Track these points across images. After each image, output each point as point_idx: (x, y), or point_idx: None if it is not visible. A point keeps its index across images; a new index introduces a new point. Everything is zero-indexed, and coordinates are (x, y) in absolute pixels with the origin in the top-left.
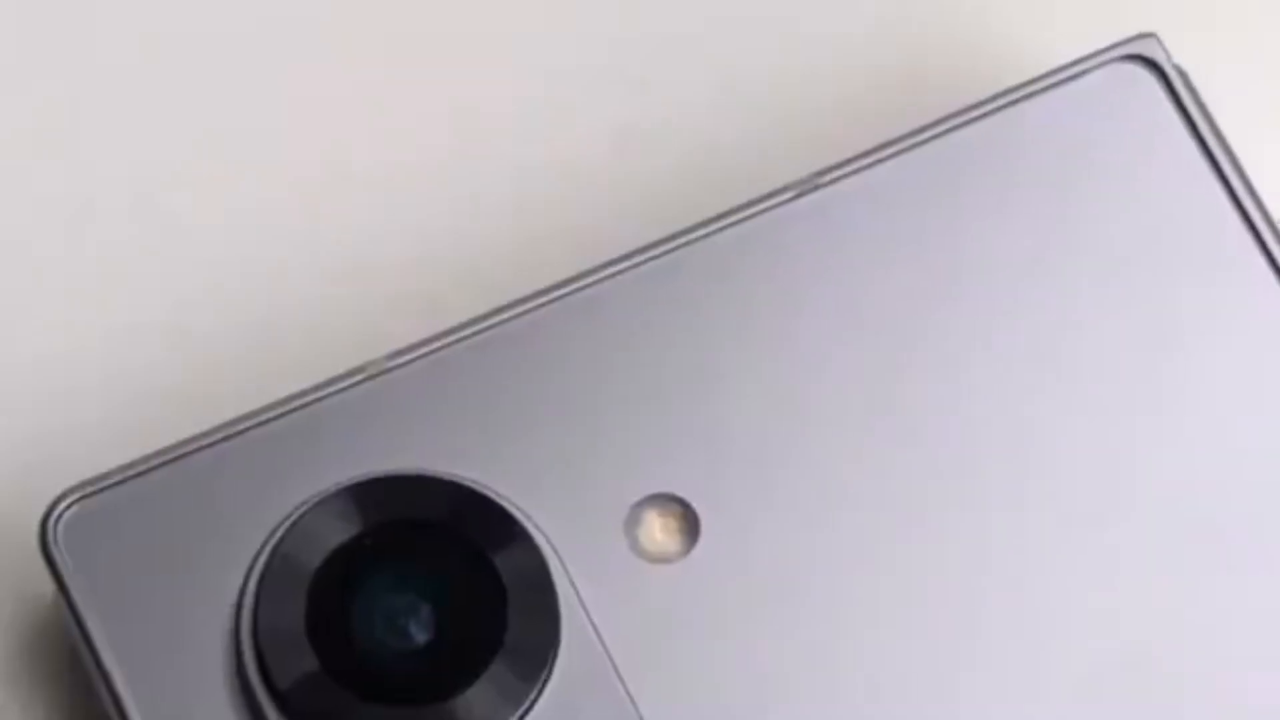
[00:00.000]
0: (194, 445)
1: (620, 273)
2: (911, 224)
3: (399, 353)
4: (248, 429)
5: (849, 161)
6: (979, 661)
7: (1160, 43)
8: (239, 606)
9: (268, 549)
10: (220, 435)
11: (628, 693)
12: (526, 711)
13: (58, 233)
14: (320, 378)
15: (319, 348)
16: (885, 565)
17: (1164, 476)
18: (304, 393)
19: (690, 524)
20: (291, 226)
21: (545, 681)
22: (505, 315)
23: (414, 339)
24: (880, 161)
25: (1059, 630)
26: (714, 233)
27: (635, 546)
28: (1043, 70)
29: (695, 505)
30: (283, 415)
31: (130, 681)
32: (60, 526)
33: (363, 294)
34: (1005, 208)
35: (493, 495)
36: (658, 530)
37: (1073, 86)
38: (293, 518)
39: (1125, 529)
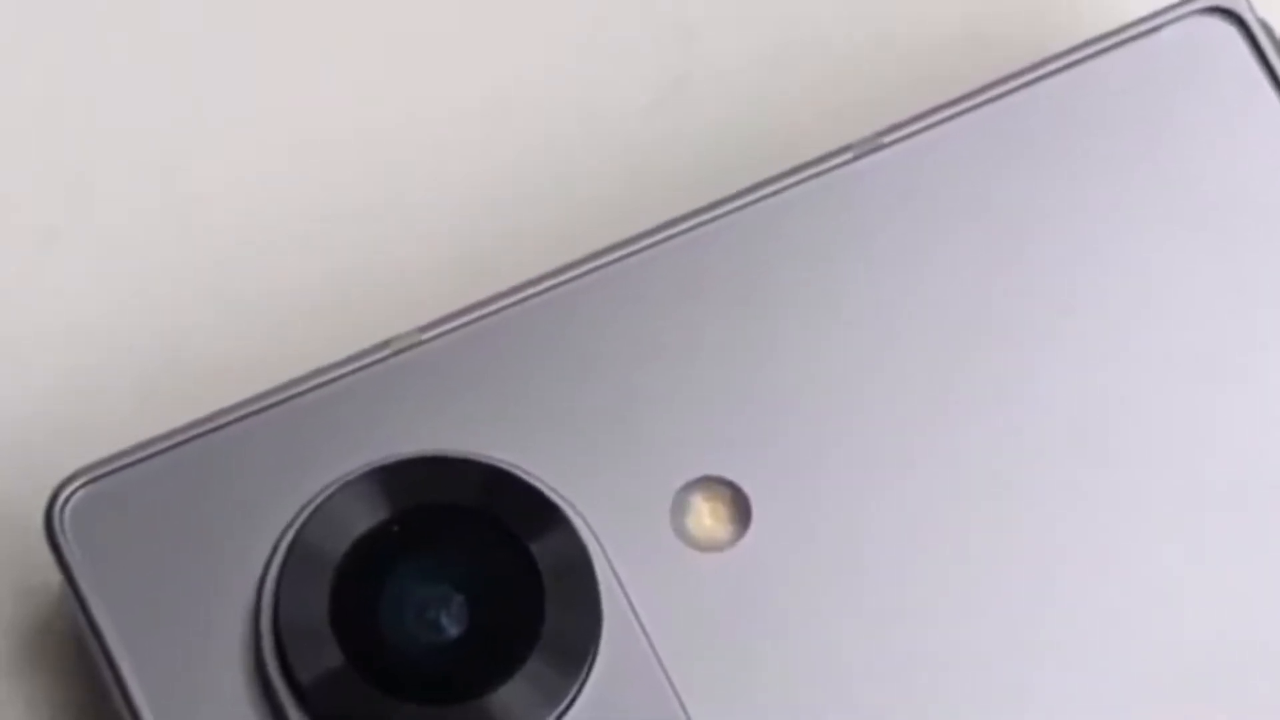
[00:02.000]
0: (209, 424)
1: (666, 239)
2: (978, 186)
3: (429, 326)
4: (267, 407)
5: (912, 121)
6: (1049, 655)
7: None
8: (258, 597)
9: (289, 535)
10: (237, 414)
11: (673, 689)
12: (566, 710)
13: (59, 204)
14: (345, 352)
15: (344, 321)
16: (950, 552)
17: (1249, 446)
18: (327, 368)
19: (741, 509)
20: (317, 193)
21: (585, 677)
22: (543, 285)
23: (446, 311)
24: (946, 120)
25: (1134, 616)
26: (767, 196)
27: (682, 533)
28: (1119, 24)
29: (746, 489)
30: (305, 392)
31: (141, 676)
32: (67, 512)
33: (392, 263)
34: (1078, 168)
35: (529, 478)
36: (706, 516)
37: (1151, 40)
38: (316, 502)
39: (1209, 504)
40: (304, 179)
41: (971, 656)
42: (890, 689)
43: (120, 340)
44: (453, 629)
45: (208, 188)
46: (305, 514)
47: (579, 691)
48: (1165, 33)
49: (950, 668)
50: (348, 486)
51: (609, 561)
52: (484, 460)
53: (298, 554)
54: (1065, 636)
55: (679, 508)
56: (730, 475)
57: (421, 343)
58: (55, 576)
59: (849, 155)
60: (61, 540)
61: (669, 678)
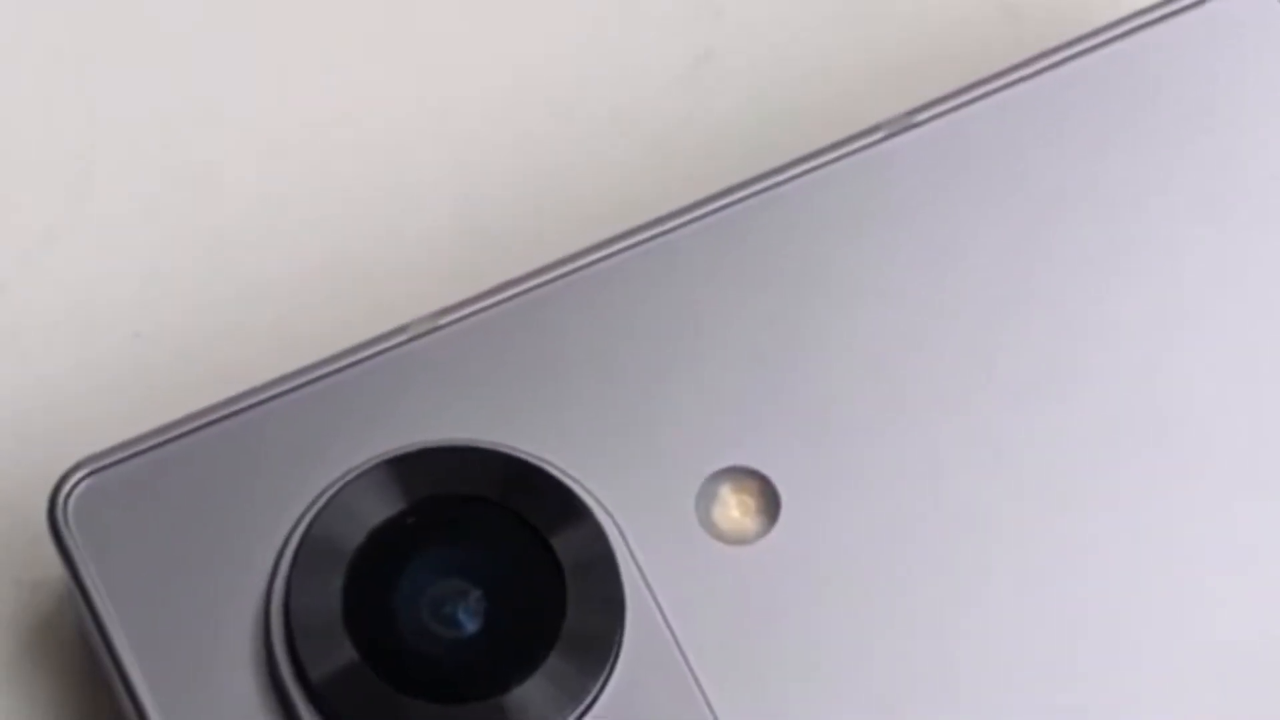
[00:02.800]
0: (219, 413)
1: (693, 220)
2: (1015, 166)
3: (447, 310)
4: (279, 394)
5: (945, 98)
6: (1089, 653)
7: None
8: (269, 591)
9: (301, 528)
10: (248, 402)
11: (699, 686)
12: (587, 708)
13: (61, 194)
14: (360, 338)
15: (357, 311)
16: (987, 547)
17: None
18: (342, 354)
19: (769, 501)
20: (327, 178)
21: (608, 675)
22: (565, 269)
23: (464, 295)
24: (981, 98)
25: (1177, 610)
26: (795, 177)
27: (708, 525)
28: None
29: (775, 479)
30: (318, 379)
31: (148, 674)
32: (71, 503)
33: (405, 251)
34: (1119, 147)
35: (550, 469)
36: (734, 507)
37: (1195, 14)
38: (329, 493)
39: (1254, 492)
40: (313, 165)
41: (1006, 655)
42: (922, 688)
43: (125, 330)
44: (470, 625)
45: (213, 177)
46: (318, 505)
47: (601, 689)
48: (1210, 5)
49: (984, 667)
50: (362, 477)
51: (632, 555)
52: (503, 450)
53: (310, 547)
54: (1107, 633)
55: (705, 499)
56: (758, 465)
57: (439, 328)
58: (58, 571)
59: (880, 134)
60: (65, 533)
61: (694, 674)
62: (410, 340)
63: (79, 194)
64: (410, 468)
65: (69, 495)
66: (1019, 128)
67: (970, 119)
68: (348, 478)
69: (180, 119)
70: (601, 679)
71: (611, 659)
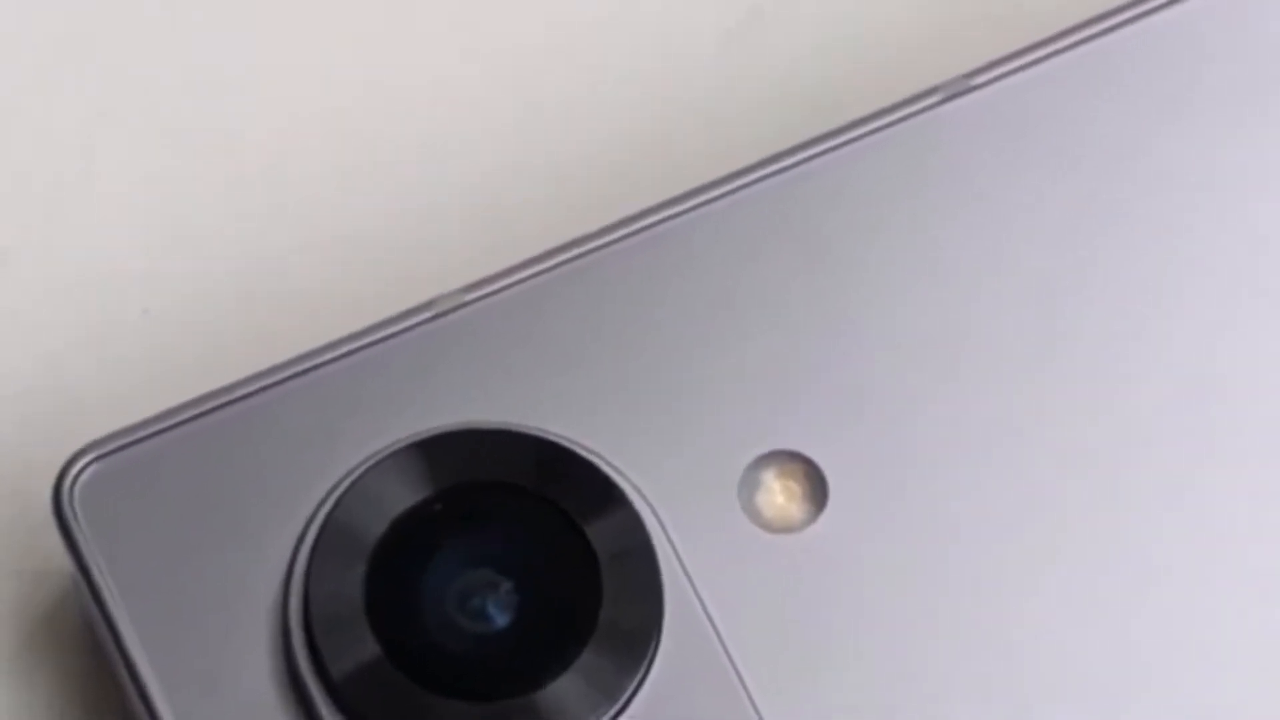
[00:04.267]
0: (234, 394)
1: (736, 190)
2: (1076, 132)
3: (475, 285)
4: (297, 375)
5: (1004, 60)
6: (1148, 651)
7: None
8: (287, 582)
9: (321, 515)
10: (264, 383)
11: (742, 683)
12: (624, 706)
13: (65, 161)
14: (384, 314)
15: (384, 279)
16: (1046, 538)
17: None
18: (364, 332)
19: (816, 487)
20: (356, 141)
21: (646, 671)
22: (600, 241)
23: (493, 269)
24: (1041, 60)
25: (1249, 611)
26: (847, 143)
27: (752, 512)
28: None
29: (822, 464)
30: (339, 358)
31: (159, 670)
32: (77, 490)
33: (434, 220)
34: (1184, 111)
35: (585, 453)
36: (778, 494)
37: None
38: (350, 479)
39: None
40: (331, 135)
41: (1064, 649)
42: (976, 684)
43: (133, 307)
44: (500, 618)
45: (225, 148)
46: (339, 492)
47: (639, 686)
48: None
49: (1041, 665)
50: (385, 462)
51: (672, 544)
52: (535, 433)
53: (330, 535)
54: (1168, 631)
55: (749, 485)
56: (805, 449)
57: (467, 304)
58: (62, 562)
59: (936, 98)
60: (70, 521)
61: (737, 670)
62: (436, 317)
63: (85, 166)
64: (437, 452)
65: (75, 481)
66: (1080, 92)
67: (1030, 82)
68: (370, 462)
69: (190, 90)
70: (639, 675)
71: (649, 654)
